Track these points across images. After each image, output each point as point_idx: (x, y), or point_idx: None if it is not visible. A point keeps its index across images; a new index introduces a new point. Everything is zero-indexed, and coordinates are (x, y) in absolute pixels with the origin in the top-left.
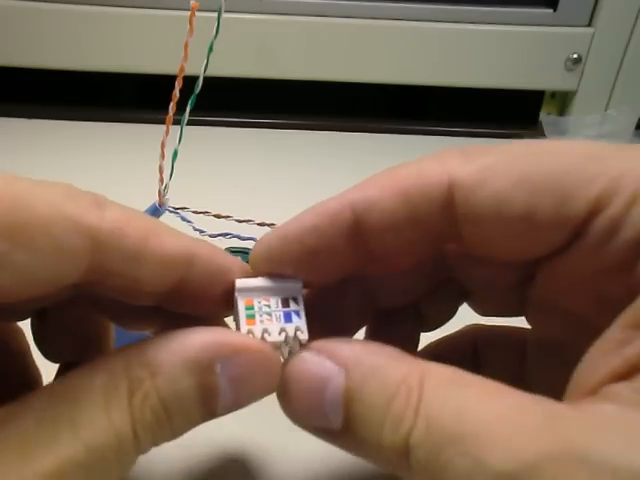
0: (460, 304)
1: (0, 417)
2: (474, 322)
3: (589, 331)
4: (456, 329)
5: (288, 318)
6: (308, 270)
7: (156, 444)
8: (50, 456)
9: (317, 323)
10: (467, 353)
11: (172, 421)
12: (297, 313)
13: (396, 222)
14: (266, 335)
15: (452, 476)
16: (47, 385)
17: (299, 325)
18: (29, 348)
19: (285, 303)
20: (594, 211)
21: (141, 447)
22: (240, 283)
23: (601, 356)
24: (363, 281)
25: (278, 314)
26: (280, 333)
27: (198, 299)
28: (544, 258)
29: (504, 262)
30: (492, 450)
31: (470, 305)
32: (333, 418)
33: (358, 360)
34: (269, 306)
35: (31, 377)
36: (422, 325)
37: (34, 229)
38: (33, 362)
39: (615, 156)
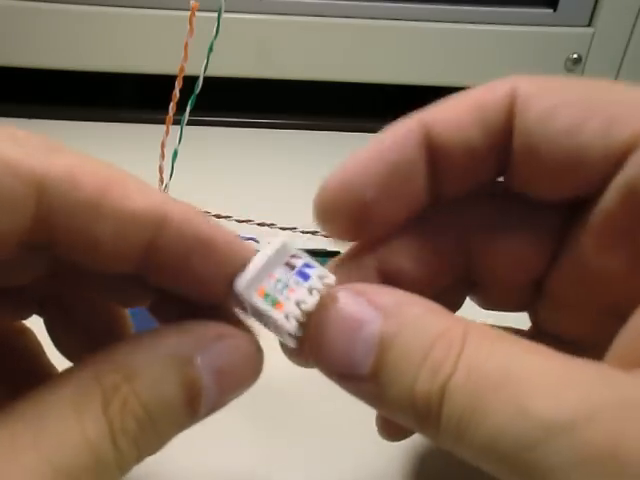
0: (467, 296)
1: None
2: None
3: (610, 325)
4: None
5: (305, 276)
6: (387, 196)
7: (141, 457)
8: None
9: None
10: None
11: (157, 427)
12: (307, 265)
13: (466, 133)
14: (303, 305)
15: (491, 424)
16: (10, 402)
17: (319, 273)
18: (42, 348)
19: (290, 266)
20: (635, 143)
21: (125, 462)
22: (239, 283)
23: None
24: (383, 274)
25: (294, 279)
26: (311, 292)
27: (179, 273)
28: (580, 207)
29: (540, 198)
30: (540, 398)
31: (474, 296)
32: (363, 362)
33: (398, 307)
34: (280, 280)
35: (46, 378)
36: None
37: None
38: (48, 363)
39: None
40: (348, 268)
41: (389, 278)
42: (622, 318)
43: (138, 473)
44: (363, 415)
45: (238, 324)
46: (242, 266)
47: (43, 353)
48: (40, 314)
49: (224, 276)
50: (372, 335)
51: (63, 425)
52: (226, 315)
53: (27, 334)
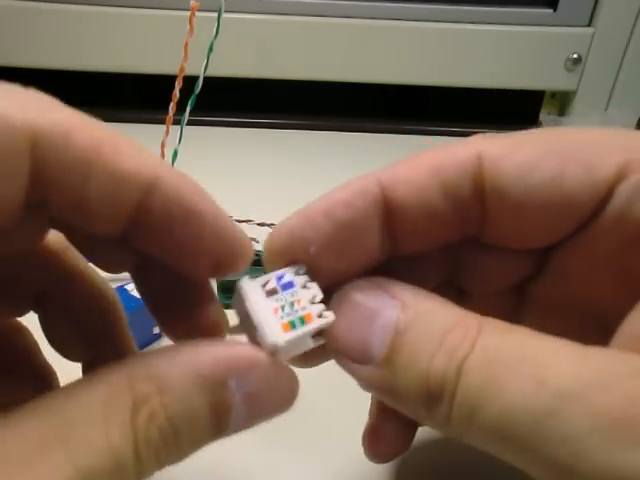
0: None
1: None
2: None
3: (595, 330)
4: None
5: (290, 286)
6: (332, 252)
7: (160, 468)
8: None
9: None
10: None
11: (180, 442)
12: (281, 280)
13: (426, 196)
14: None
15: (508, 398)
16: (39, 398)
17: (314, 293)
18: (37, 347)
19: (270, 292)
20: (620, 177)
21: (143, 471)
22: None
23: None
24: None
25: (289, 294)
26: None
27: (164, 240)
28: (565, 238)
29: (523, 248)
30: (556, 371)
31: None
32: (378, 347)
33: (415, 299)
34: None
35: (43, 377)
36: None
37: None
38: (44, 361)
39: (633, 135)
40: None
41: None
42: (605, 323)
43: None
44: (363, 416)
45: (213, 302)
46: (230, 248)
47: (39, 352)
48: (35, 310)
49: (207, 251)
50: (389, 321)
51: (90, 428)
52: (204, 291)
53: (24, 333)
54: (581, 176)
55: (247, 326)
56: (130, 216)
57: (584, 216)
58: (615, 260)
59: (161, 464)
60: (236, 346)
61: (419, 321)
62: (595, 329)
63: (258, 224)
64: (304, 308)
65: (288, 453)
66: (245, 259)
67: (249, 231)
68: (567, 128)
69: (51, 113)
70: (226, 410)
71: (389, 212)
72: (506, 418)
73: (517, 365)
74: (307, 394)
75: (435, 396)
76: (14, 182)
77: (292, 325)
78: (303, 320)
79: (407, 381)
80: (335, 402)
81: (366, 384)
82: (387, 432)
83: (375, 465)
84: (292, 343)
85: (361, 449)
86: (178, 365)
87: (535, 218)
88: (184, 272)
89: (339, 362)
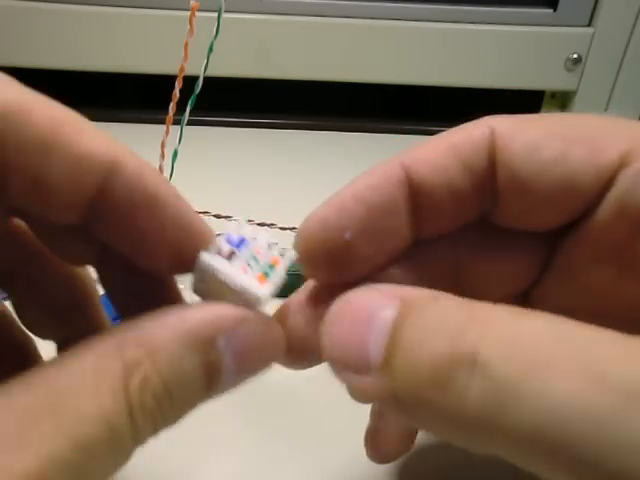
0: None
1: None
2: None
3: (601, 323)
4: None
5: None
6: (366, 237)
7: (156, 432)
8: (29, 454)
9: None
10: None
11: (174, 404)
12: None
13: (447, 174)
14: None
15: (556, 393)
16: (24, 372)
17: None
18: (12, 316)
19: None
20: (622, 163)
21: (140, 437)
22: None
23: None
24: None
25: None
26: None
27: (124, 228)
28: (567, 229)
29: (528, 240)
30: (617, 366)
31: None
32: (375, 351)
33: (413, 294)
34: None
35: (21, 345)
36: None
37: None
38: (20, 330)
39: (637, 124)
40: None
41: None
42: (609, 319)
43: (138, 473)
44: (365, 416)
45: (175, 291)
46: (192, 238)
47: (15, 322)
48: (4, 289)
49: (168, 240)
50: (386, 321)
51: (82, 397)
52: (172, 291)
53: None
54: (585, 159)
55: (219, 297)
56: (90, 201)
57: (587, 200)
58: (618, 250)
59: (157, 428)
60: (222, 305)
61: (417, 315)
62: (599, 322)
63: (258, 224)
64: (266, 255)
65: (289, 453)
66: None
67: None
68: (574, 114)
69: (9, 92)
70: (217, 369)
71: (413, 193)
72: (553, 420)
73: (561, 354)
74: (307, 393)
75: (442, 391)
76: None
77: (266, 275)
78: (272, 266)
79: (407, 384)
80: (336, 402)
81: (367, 396)
82: (389, 433)
83: (378, 465)
84: (273, 290)
85: (363, 450)
86: (167, 328)
87: (540, 198)
88: (144, 265)
89: (337, 374)
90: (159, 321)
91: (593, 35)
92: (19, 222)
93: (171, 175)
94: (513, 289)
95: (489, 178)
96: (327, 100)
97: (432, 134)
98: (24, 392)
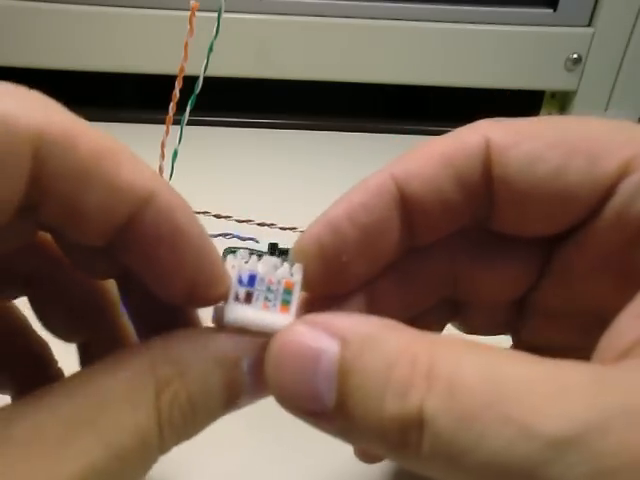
0: (448, 322)
1: (15, 413)
2: None
3: (599, 331)
4: None
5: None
6: (361, 256)
7: (178, 443)
8: (70, 459)
9: None
10: None
11: (197, 419)
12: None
13: (439, 187)
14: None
15: (490, 446)
16: (64, 380)
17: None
18: (27, 321)
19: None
20: (623, 174)
21: (164, 448)
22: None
23: (633, 319)
24: (369, 295)
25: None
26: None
27: (148, 257)
28: (565, 236)
29: (526, 246)
30: (541, 413)
31: (458, 323)
32: (326, 395)
33: (355, 330)
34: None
35: (37, 351)
36: None
37: None
38: (36, 336)
39: (638, 128)
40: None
41: (372, 299)
42: (607, 322)
43: None
44: None
45: (193, 317)
46: (208, 279)
47: (30, 326)
48: (25, 293)
49: (185, 275)
50: (331, 364)
51: (118, 410)
52: (191, 319)
53: (12, 309)
54: (584, 170)
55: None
56: (120, 228)
57: (586, 210)
58: (616, 259)
59: (179, 440)
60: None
61: (361, 357)
62: (597, 332)
63: (258, 224)
64: (279, 281)
65: (289, 453)
66: (219, 294)
67: (249, 231)
68: (573, 118)
69: (56, 117)
70: (238, 388)
71: (405, 206)
72: (492, 466)
73: (493, 406)
74: None
75: (397, 442)
76: (12, 184)
77: (285, 302)
78: (288, 291)
79: (364, 429)
80: None
81: (327, 433)
82: None
83: (378, 466)
84: (296, 314)
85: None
86: (197, 349)
87: (538, 208)
88: (159, 292)
89: (292, 414)
90: (189, 342)
91: (593, 35)
92: (44, 233)
93: (171, 175)
94: (511, 293)
95: (483, 189)
96: (327, 100)
97: (432, 134)
98: (66, 402)
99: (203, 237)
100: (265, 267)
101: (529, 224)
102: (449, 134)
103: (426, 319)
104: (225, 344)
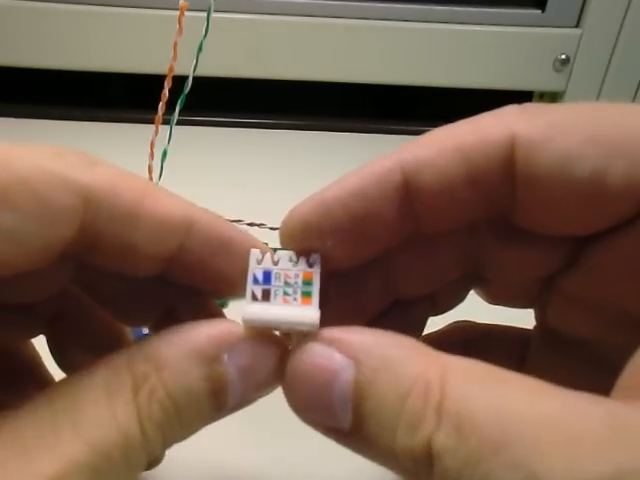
0: (472, 288)
1: None
2: (458, 318)
3: (628, 327)
4: (439, 325)
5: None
6: (349, 243)
7: (166, 444)
8: (51, 457)
9: (332, 305)
10: (456, 352)
11: (181, 417)
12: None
13: (451, 183)
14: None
15: None
16: (45, 389)
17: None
18: (40, 359)
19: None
20: None
21: (150, 447)
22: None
23: None
24: (386, 267)
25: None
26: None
27: (201, 273)
28: (598, 236)
29: (553, 238)
30: (550, 463)
31: (481, 291)
32: (342, 416)
33: (369, 352)
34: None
35: (31, 363)
36: (432, 309)
37: (17, 189)
38: (47, 372)
39: None
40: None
41: (391, 273)
42: (636, 325)
43: None
44: None
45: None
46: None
47: (42, 364)
48: (45, 332)
49: (242, 271)
50: (347, 386)
51: (96, 408)
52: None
53: (27, 346)
54: (625, 174)
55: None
56: (172, 255)
57: (624, 216)
58: None
59: (166, 440)
60: (225, 324)
61: (376, 381)
62: (624, 328)
63: (248, 224)
64: (297, 274)
65: (288, 453)
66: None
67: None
68: (610, 106)
69: (97, 170)
70: (222, 384)
71: (411, 196)
72: None
73: (501, 449)
74: None
75: (411, 471)
76: (63, 235)
77: (306, 294)
78: (307, 282)
79: (379, 454)
80: None
81: (344, 446)
82: None
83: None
84: (319, 305)
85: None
86: (173, 344)
87: (568, 212)
88: (216, 291)
89: (316, 430)
90: (166, 339)
91: (581, 36)
92: None
93: (160, 175)
94: (536, 273)
95: (502, 190)
96: (317, 100)
97: (421, 134)
98: (45, 406)
99: (243, 233)
100: (279, 261)
101: (556, 226)
102: (469, 121)
103: (449, 289)
104: (203, 336)
